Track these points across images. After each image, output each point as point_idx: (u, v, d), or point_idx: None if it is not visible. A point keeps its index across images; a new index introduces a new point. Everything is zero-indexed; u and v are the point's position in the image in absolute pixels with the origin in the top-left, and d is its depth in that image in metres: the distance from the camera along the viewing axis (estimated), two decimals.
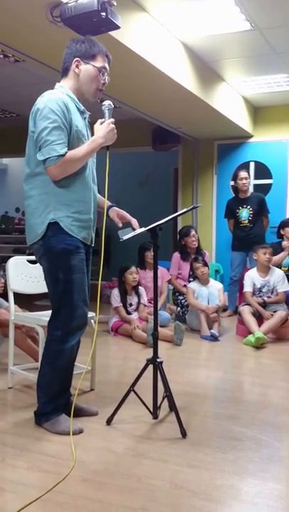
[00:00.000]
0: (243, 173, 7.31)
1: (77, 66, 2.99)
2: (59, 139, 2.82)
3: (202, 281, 6.23)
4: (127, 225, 3.25)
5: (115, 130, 2.99)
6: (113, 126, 2.98)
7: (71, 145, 2.89)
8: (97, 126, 2.98)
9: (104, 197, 3.16)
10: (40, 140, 2.83)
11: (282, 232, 6.73)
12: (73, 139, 2.90)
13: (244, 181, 7.27)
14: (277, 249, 6.48)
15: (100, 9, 3.61)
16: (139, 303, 6.09)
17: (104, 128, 2.96)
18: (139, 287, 6.14)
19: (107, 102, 3.05)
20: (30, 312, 4.12)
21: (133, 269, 5.99)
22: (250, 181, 7.44)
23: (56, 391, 3.03)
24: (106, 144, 2.98)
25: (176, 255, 7.04)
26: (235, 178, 7.42)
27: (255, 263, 6.72)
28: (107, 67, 3.05)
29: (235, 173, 7.44)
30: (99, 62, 3.00)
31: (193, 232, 6.93)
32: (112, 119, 3.00)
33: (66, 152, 2.83)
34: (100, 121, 2.99)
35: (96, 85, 3.02)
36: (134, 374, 3.18)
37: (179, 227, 8.74)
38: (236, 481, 2.46)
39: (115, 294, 6.00)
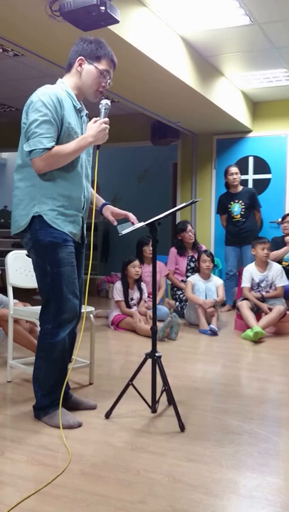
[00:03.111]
0: (233, 169, 7.42)
1: (80, 65, 2.99)
2: (47, 133, 2.83)
3: (203, 275, 6.23)
4: (127, 219, 3.26)
5: (107, 130, 2.97)
6: (105, 126, 2.96)
7: (61, 141, 2.90)
8: (90, 124, 2.98)
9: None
10: (29, 131, 2.85)
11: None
12: (64, 135, 2.90)
13: (234, 176, 7.38)
14: (279, 244, 6.51)
15: (99, 3, 3.61)
16: (140, 298, 6.09)
17: (96, 127, 2.94)
18: (142, 283, 6.15)
19: (104, 102, 3.03)
20: (30, 306, 4.12)
21: (136, 262, 6.00)
22: (240, 176, 7.47)
23: (52, 384, 3.03)
24: (96, 144, 2.98)
25: (173, 250, 7.05)
26: (226, 173, 7.50)
27: (249, 257, 6.79)
28: (111, 72, 3.06)
29: (226, 168, 7.52)
30: (102, 65, 3.00)
31: (189, 227, 6.94)
32: (106, 119, 2.99)
33: (53, 146, 2.83)
34: (93, 119, 2.97)
35: (96, 87, 3.02)
36: (133, 368, 3.19)
37: (178, 222, 8.76)
38: (235, 474, 2.47)
39: (118, 287, 6.01)
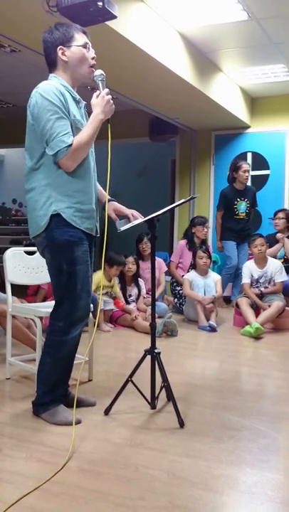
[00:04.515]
0: (246, 165, 7.27)
1: (63, 54, 2.94)
2: (63, 130, 2.80)
3: (201, 271, 6.22)
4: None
5: (111, 101, 2.94)
6: (108, 97, 2.92)
7: None
8: (93, 101, 2.93)
9: (106, 179, 3.11)
10: (46, 134, 2.80)
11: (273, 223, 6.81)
12: (71, 129, 2.88)
13: (247, 174, 7.24)
14: (271, 241, 6.52)
15: None
16: (139, 294, 6.09)
17: (101, 102, 2.91)
18: (139, 279, 6.15)
19: (98, 72, 2.98)
20: (27, 303, 4.12)
21: (129, 259, 5.99)
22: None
23: (56, 381, 3.03)
24: (106, 118, 2.95)
25: (182, 243, 7.01)
26: (237, 169, 7.28)
27: (245, 254, 6.81)
28: (89, 42, 3.00)
29: (239, 164, 7.30)
30: (80, 40, 2.95)
31: (207, 223, 6.95)
32: (107, 90, 2.95)
33: (72, 141, 2.81)
34: (95, 94, 2.93)
35: (87, 63, 2.97)
36: (132, 365, 3.18)
37: (176, 218, 8.76)
38: (234, 470, 2.47)
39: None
